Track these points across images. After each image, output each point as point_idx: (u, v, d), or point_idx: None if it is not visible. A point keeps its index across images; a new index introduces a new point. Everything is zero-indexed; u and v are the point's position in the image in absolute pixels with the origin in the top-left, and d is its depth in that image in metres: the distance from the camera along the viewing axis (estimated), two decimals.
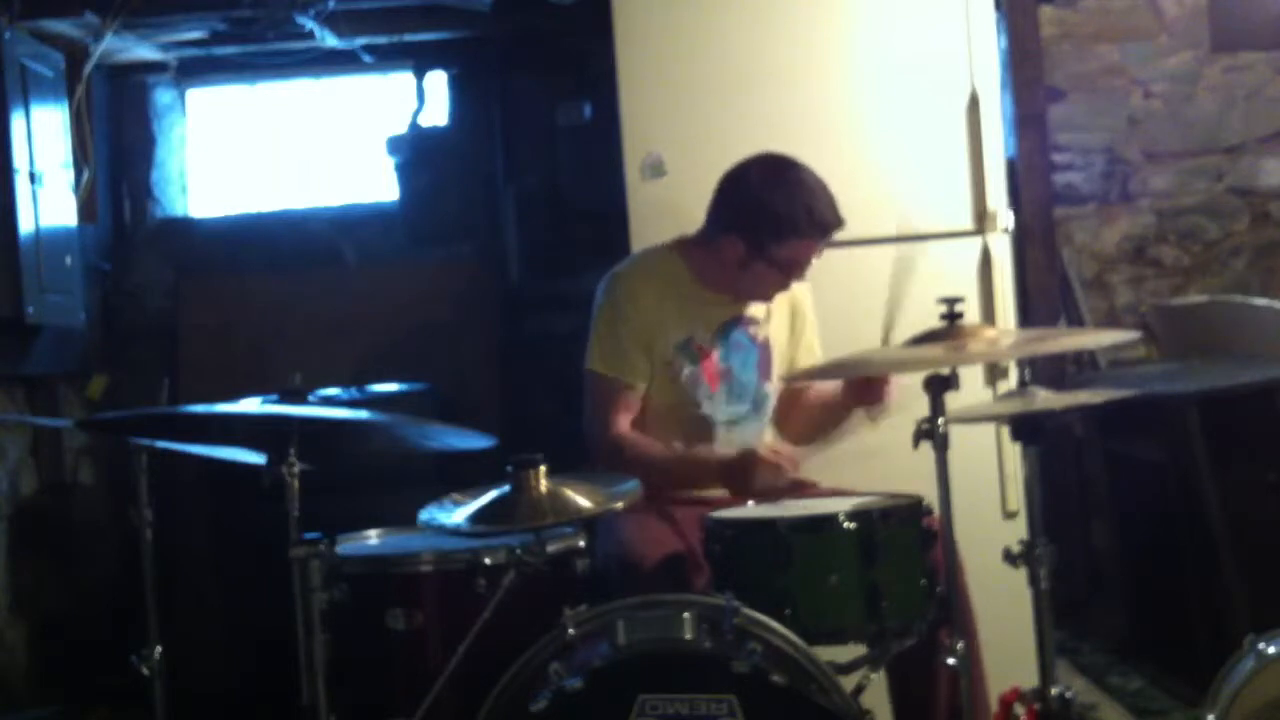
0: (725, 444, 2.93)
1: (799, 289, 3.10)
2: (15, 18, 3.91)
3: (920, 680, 2.60)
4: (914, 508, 2.44)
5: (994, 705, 2.59)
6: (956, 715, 2.44)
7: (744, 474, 2.74)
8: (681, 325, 2.94)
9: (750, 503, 2.75)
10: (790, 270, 2.90)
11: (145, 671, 2.79)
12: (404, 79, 4.85)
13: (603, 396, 2.93)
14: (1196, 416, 3.55)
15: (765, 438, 3.01)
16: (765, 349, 3.02)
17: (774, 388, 3.04)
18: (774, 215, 2.83)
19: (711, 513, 2.53)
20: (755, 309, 3.01)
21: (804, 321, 3.12)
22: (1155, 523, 3.95)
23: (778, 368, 3.05)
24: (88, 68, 4.27)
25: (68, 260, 4.10)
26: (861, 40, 3.55)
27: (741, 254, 2.87)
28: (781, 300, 3.05)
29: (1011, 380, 3.30)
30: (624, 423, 2.91)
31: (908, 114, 3.53)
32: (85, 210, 4.35)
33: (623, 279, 2.99)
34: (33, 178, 3.86)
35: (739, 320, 2.99)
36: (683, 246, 3.02)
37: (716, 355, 2.95)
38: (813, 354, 3.12)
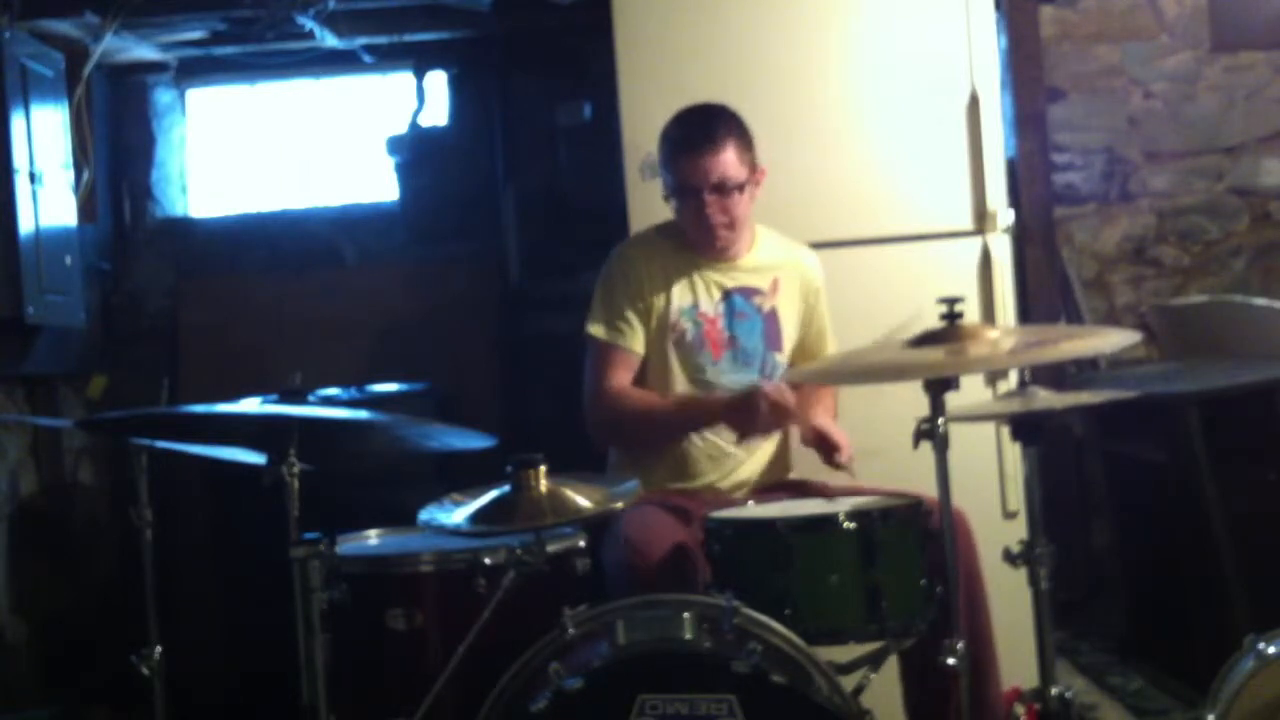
0: None
1: (810, 269, 3.12)
2: (15, 18, 3.91)
3: (935, 680, 2.59)
4: (914, 508, 2.44)
5: None
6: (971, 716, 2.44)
7: (749, 412, 2.77)
8: (686, 290, 3.01)
9: (750, 503, 2.76)
10: (692, 194, 2.93)
11: (145, 671, 2.79)
12: (404, 79, 4.84)
13: (601, 359, 2.99)
14: (1196, 416, 3.55)
15: None
16: (772, 319, 3.05)
17: (784, 359, 3.06)
18: (660, 143, 3.01)
19: (711, 512, 2.53)
20: (759, 280, 3.05)
21: (818, 299, 3.14)
22: (1155, 523, 3.94)
23: (788, 340, 3.07)
24: (88, 68, 4.27)
25: (68, 260, 4.09)
26: (861, 40, 3.55)
27: (666, 191, 3.00)
28: (791, 274, 3.09)
29: (1011, 380, 3.31)
30: (622, 379, 2.98)
31: (908, 114, 3.54)
32: (85, 210, 4.34)
33: (627, 249, 3.11)
34: (33, 178, 3.86)
35: (741, 290, 3.04)
36: (670, 223, 3.09)
37: (720, 322, 3.00)
38: (824, 340, 3.14)
